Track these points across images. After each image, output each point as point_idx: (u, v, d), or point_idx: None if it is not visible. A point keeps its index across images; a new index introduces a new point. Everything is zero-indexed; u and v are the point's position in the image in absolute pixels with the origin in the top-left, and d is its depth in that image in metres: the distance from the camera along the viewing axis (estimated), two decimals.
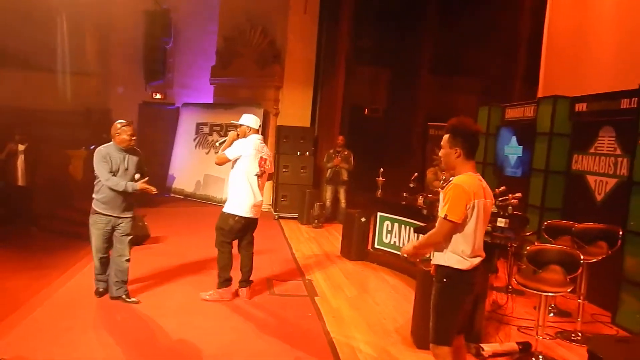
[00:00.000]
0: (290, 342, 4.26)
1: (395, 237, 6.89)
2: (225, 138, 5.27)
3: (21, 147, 8.66)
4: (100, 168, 4.77)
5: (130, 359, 3.85)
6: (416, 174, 7.21)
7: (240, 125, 5.21)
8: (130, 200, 4.92)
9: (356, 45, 12.51)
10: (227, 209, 5.11)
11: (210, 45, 12.47)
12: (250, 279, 5.39)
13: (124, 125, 4.86)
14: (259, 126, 5.32)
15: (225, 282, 5.17)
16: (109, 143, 4.89)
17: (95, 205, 4.84)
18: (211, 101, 12.43)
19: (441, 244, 2.94)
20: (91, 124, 11.93)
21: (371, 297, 5.68)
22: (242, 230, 5.16)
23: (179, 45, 13.05)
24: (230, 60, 11.96)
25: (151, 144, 11.18)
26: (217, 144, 5.45)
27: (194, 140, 12.19)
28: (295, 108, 11.30)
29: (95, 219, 4.85)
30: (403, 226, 6.75)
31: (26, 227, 8.57)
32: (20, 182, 8.65)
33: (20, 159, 8.71)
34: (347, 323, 4.80)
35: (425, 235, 3.03)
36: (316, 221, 9.52)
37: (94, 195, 4.87)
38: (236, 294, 5.29)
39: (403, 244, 6.65)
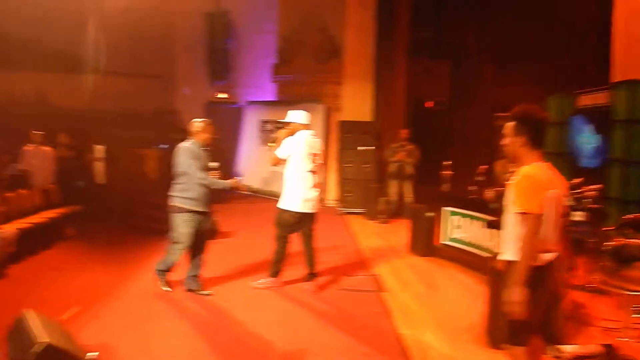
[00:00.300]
0: (358, 338, 4.26)
1: (464, 232, 6.72)
2: (275, 137, 5.36)
3: (100, 148, 9.16)
4: (192, 166, 4.83)
5: (205, 349, 3.99)
6: (484, 167, 6.99)
7: (289, 123, 5.26)
8: (212, 197, 5.07)
9: (415, 37, 12.29)
10: (281, 204, 5.23)
11: (271, 44, 12.65)
12: (315, 271, 5.48)
13: (207, 124, 4.98)
14: (309, 121, 5.33)
15: (276, 272, 5.38)
16: (190, 141, 4.97)
17: (183, 204, 4.86)
18: (274, 99, 12.62)
19: (534, 242, 2.71)
20: (160, 125, 12.47)
21: (441, 293, 5.58)
22: (298, 224, 5.28)
23: (240, 45, 13.33)
24: (290, 57, 12.09)
25: (217, 142, 11.48)
26: (270, 144, 5.55)
27: (258, 137, 12.43)
28: (356, 102, 11.25)
29: (185, 217, 4.88)
30: (472, 221, 6.57)
31: (107, 224, 9.08)
32: (100, 181, 9.18)
33: (100, 159, 9.24)
34: (416, 320, 4.74)
35: (519, 252, 2.74)
36: (382, 216, 9.46)
37: (178, 194, 4.90)
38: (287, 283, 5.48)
39: (473, 239, 6.48)
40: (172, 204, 4.95)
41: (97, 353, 3.59)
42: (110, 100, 11.73)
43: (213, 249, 6.74)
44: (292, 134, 5.21)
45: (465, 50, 12.27)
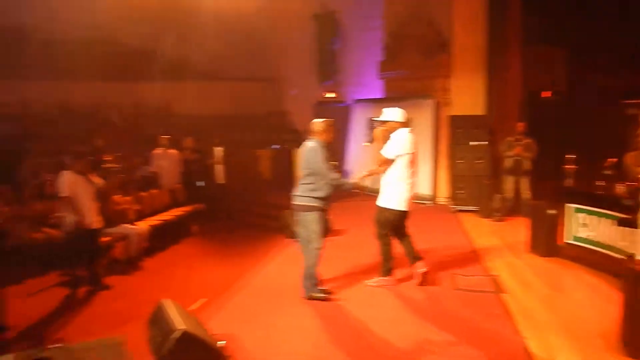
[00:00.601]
0: (477, 343, 4.11)
1: (591, 230, 6.23)
2: (371, 136, 5.29)
3: (219, 149, 9.76)
4: (325, 166, 4.83)
5: (326, 344, 4.10)
6: (613, 160, 6.43)
7: (386, 121, 5.18)
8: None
9: (528, 25, 11.54)
10: (384, 203, 5.21)
11: (377, 41, 12.61)
12: (420, 258, 5.46)
13: (328, 124, 5.01)
14: (405, 119, 5.23)
15: (387, 271, 5.40)
16: (313, 140, 4.97)
17: (314, 202, 4.88)
18: (381, 96, 12.58)
19: None
20: (272, 126, 12.99)
21: (567, 296, 5.22)
22: (399, 222, 5.29)
23: (346, 44, 13.46)
24: (397, 53, 11.96)
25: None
26: (366, 143, 5.47)
27: (366, 135, 12.47)
28: (466, 96, 10.86)
29: (316, 216, 4.91)
30: (601, 218, 6.06)
31: (226, 222, 9.68)
32: (219, 181, 9.80)
33: (219, 160, 9.87)
34: (541, 324, 4.48)
35: None
36: (497, 214, 9.05)
37: (308, 193, 4.89)
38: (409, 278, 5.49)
39: (602, 238, 5.99)
40: (300, 203, 4.94)
41: (224, 342, 3.84)
42: (226, 104, 12.46)
43: (327, 246, 6.98)
44: (389, 132, 5.16)
45: (583, 36, 11.31)
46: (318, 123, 5.03)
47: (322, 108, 13.21)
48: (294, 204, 5.00)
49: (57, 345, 3.37)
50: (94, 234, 5.94)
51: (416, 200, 6.60)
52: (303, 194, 4.93)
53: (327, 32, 13.11)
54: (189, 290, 5.69)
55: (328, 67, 13.30)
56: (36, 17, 14.08)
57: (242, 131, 12.15)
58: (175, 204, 9.32)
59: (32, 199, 7.12)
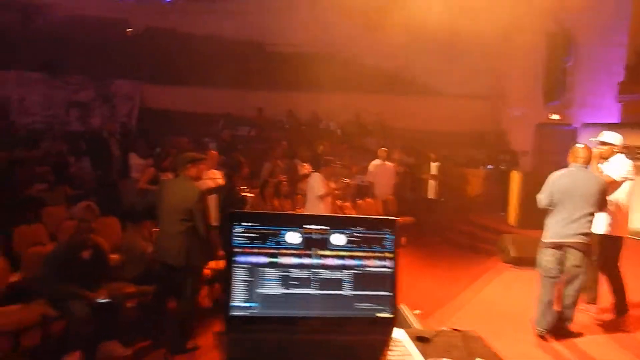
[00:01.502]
0: None
1: None
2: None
3: (434, 165, 9.82)
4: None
5: None
6: None
7: (606, 143, 4.94)
8: None
9: None
10: (610, 230, 4.85)
11: (617, 60, 11.32)
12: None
13: (588, 149, 4.63)
14: (622, 143, 5.04)
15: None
16: (577, 166, 4.51)
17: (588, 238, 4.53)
18: (617, 120, 11.25)
19: None
20: (486, 145, 12.56)
21: None
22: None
23: (579, 63, 12.35)
24: None
25: (547, 165, 10.92)
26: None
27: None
28: None
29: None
30: None
31: (432, 237, 9.66)
32: (430, 195, 9.84)
33: (432, 175, 9.92)
34: None
35: None
36: None
37: (589, 227, 4.47)
38: None
39: None
40: (585, 239, 4.47)
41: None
42: (442, 121, 12.45)
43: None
44: (606, 156, 4.90)
45: None
46: (582, 149, 4.61)
47: (544, 130, 12.35)
48: (578, 239, 4.46)
49: None
50: None
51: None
52: (586, 228, 4.45)
53: (558, 49, 12.20)
54: (405, 300, 5.78)
55: (556, 87, 12.36)
56: (267, 33, 16.04)
57: (456, 148, 12.01)
58: (387, 215, 9.60)
59: (271, 197, 8.00)
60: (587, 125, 11.90)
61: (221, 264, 5.56)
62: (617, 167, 4.82)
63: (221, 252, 5.40)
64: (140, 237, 5.13)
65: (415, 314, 2.65)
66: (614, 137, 4.95)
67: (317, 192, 6.31)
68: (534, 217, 5.38)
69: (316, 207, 6.37)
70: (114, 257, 5.01)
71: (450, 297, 5.82)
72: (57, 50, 15.42)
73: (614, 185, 4.75)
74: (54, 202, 6.27)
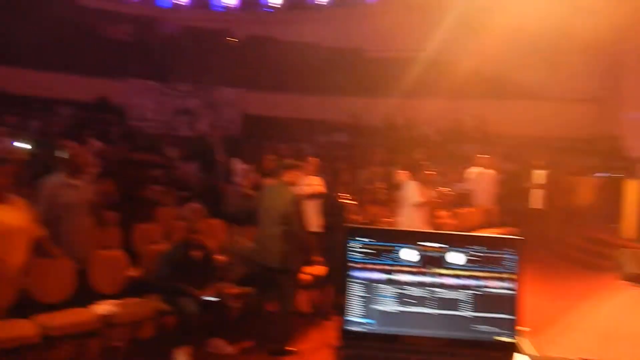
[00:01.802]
0: None
1: None
2: None
3: (540, 173, 9.29)
4: None
5: None
6: None
7: None
8: None
9: None
10: None
11: None
12: None
13: None
14: None
15: None
16: None
17: None
18: None
19: None
20: (598, 152, 11.64)
21: None
22: None
23: None
24: None
25: None
26: None
27: None
28: None
29: None
30: None
31: (538, 249, 9.10)
32: (535, 205, 9.31)
33: (537, 184, 9.39)
34: None
35: None
36: None
37: None
38: None
39: None
40: None
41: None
42: (550, 126, 11.76)
43: None
44: None
45: None
46: None
47: None
48: None
49: None
50: None
51: None
52: None
53: None
54: None
55: None
56: (365, 40, 16.04)
57: (563, 155, 11.23)
58: (489, 224, 9.22)
59: (368, 204, 7.95)
60: None
61: (319, 269, 5.65)
62: None
63: (317, 258, 5.47)
64: (246, 239, 5.33)
65: (522, 331, 2.53)
66: None
67: (413, 200, 6.17)
68: None
69: (411, 216, 6.26)
70: (220, 258, 5.25)
71: (561, 315, 5.45)
72: (167, 59, 16.58)
73: None
74: (166, 203, 6.72)
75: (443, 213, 7.93)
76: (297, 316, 5.17)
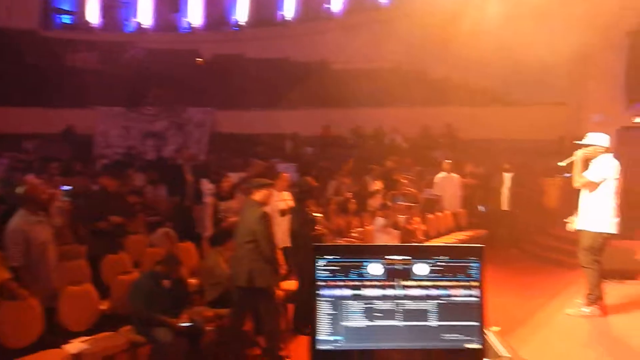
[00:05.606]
0: None
1: None
2: (571, 158, 5.06)
3: (508, 176, 9.49)
4: None
5: None
6: None
7: (590, 145, 5.03)
8: None
9: None
10: (594, 228, 5.00)
11: None
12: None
13: None
14: (609, 144, 5.08)
15: (598, 299, 5.11)
16: None
17: None
18: None
19: None
20: (564, 153, 11.93)
21: None
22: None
23: None
24: None
25: (630, 171, 10.18)
26: (560, 163, 5.30)
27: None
28: None
29: None
30: None
31: (507, 249, 9.27)
32: (503, 207, 9.50)
33: (506, 186, 9.58)
34: None
35: None
36: None
37: None
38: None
39: None
40: None
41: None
42: (516, 130, 12.02)
43: None
44: (589, 156, 5.01)
45: None
46: None
47: (627, 134, 11.61)
48: None
49: None
50: None
51: None
52: None
53: None
54: None
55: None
56: (332, 52, 16.19)
57: (533, 157, 11.49)
58: (458, 228, 9.35)
59: (334, 215, 7.96)
60: None
61: (291, 285, 5.64)
62: (600, 167, 4.94)
63: (284, 271, 5.46)
64: (221, 260, 5.27)
65: (493, 331, 2.56)
66: (598, 138, 5.06)
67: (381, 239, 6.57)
68: (622, 226, 5.12)
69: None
70: (193, 281, 5.18)
71: (529, 313, 5.52)
72: (135, 84, 16.43)
73: (591, 186, 4.96)
74: (134, 230, 6.61)
75: (415, 219, 8.02)
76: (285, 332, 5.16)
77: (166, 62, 17.40)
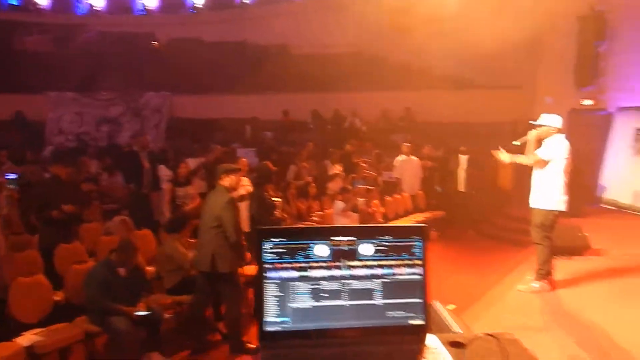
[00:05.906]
0: None
1: None
2: (525, 138, 5.30)
3: (464, 158, 9.71)
4: None
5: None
6: None
7: (541, 125, 5.25)
8: None
9: None
10: (545, 205, 5.22)
11: None
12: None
13: None
14: (561, 125, 5.31)
15: (547, 274, 5.35)
16: None
17: None
18: None
19: None
20: (519, 135, 12.29)
21: None
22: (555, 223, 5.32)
23: (614, 47, 11.94)
24: None
25: (579, 152, 10.60)
26: (514, 142, 5.51)
27: (631, 147, 10.91)
28: None
29: None
30: None
31: (464, 230, 9.54)
32: (460, 188, 9.73)
33: (462, 168, 9.81)
34: None
35: None
36: None
37: None
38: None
39: None
40: None
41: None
42: (471, 113, 12.28)
43: (584, 264, 6.29)
44: (542, 136, 5.23)
45: None
46: None
47: (576, 116, 12.03)
48: None
49: None
50: None
51: None
52: None
53: (591, 34, 11.83)
54: (438, 295, 5.72)
55: (589, 72, 12.00)
56: (291, 37, 16.09)
57: (489, 140, 11.77)
58: (416, 209, 9.54)
59: (294, 199, 8.01)
60: (624, 109, 11.55)
61: (252, 269, 5.66)
62: (551, 147, 5.16)
63: (249, 256, 5.47)
64: (179, 246, 5.22)
65: (448, 309, 2.65)
66: (550, 119, 5.28)
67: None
68: (570, 204, 5.36)
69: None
70: (150, 269, 5.11)
71: (484, 290, 5.72)
72: (89, 68, 15.88)
73: (541, 164, 5.18)
74: (89, 218, 6.46)
75: (374, 202, 8.14)
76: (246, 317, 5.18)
77: (121, 45, 16.87)
